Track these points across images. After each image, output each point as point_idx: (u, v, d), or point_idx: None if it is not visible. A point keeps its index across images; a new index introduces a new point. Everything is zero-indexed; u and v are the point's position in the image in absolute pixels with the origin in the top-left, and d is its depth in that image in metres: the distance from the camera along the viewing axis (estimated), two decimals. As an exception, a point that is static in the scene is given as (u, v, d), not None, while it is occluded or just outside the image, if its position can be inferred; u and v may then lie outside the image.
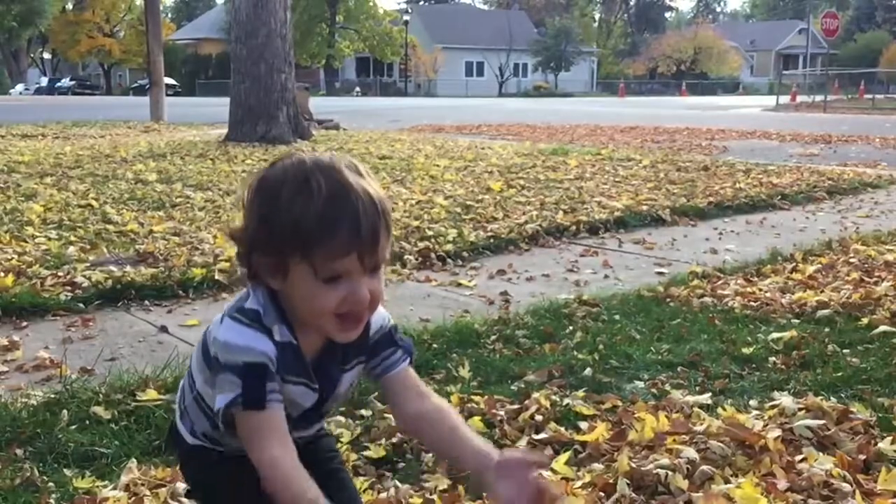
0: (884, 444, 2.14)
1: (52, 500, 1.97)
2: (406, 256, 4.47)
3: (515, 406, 2.46)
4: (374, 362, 1.40)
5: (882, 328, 3.17)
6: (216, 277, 3.92)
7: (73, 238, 4.76)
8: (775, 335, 3.11)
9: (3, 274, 3.82)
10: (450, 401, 2.46)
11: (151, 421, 2.35)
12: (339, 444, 2.22)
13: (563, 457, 2.12)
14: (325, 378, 1.34)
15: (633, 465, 2.02)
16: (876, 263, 4.31)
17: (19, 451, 2.19)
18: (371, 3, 55.77)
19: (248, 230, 1.26)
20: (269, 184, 1.24)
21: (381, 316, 1.39)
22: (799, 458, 2.09)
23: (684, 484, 1.95)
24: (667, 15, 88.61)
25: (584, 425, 2.33)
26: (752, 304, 3.60)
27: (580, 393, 2.56)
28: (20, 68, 57.76)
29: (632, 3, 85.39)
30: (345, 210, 1.20)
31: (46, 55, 67.62)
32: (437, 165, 8.46)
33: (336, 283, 1.22)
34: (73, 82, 53.84)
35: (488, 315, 3.46)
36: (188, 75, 54.06)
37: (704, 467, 2.02)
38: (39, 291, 3.63)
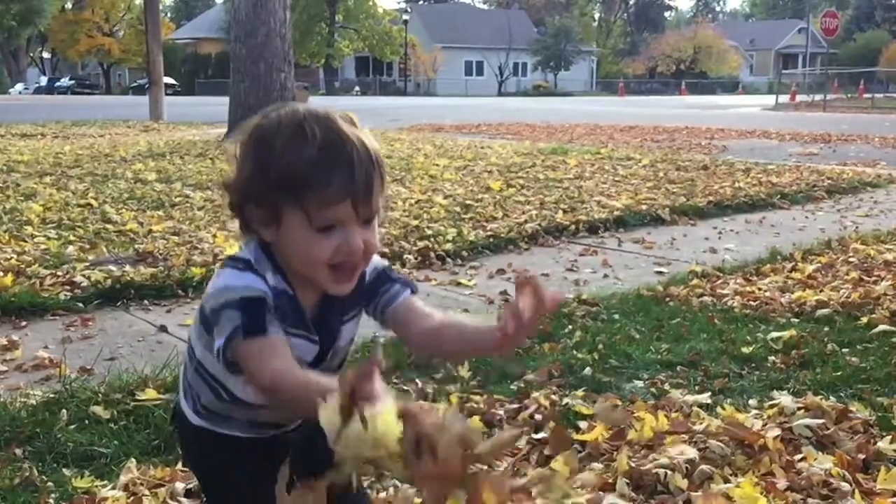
0: (883, 444, 2.14)
1: (51, 500, 1.97)
2: (405, 256, 4.47)
3: (515, 405, 2.46)
4: (373, 302, 1.38)
5: (881, 327, 3.18)
6: (215, 277, 3.92)
7: (72, 237, 4.77)
8: (775, 334, 3.11)
9: (2, 273, 3.82)
10: (449, 401, 2.47)
11: (150, 420, 2.35)
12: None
13: (563, 456, 2.12)
14: (325, 330, 1.32)
15: (633, 465, 2.02)
16: (875, 263, 4.31)
17: (18, 451, 2.19)
18: (370, 3, 55.76)
19: (242, 179, 1.25)
20: (263, 133, 1.24)
21: (375, 261, 1.36)
22: (798, 457, 2.09)
23: (683, 483, 1.96)
24: (666, 14, 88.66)
25: (583, 425, 2.33)
26: (751, 303, 3.60)
27: (579, 392, 2.56)
28: (19, 67, 57.77)
29: (631, 3, 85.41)
30: (339, 156, 1.19)
31: (46, 54, 67.62)
32: (437, 165, 8.46)
33: (330, 232, 1.21)
34: (72, 82, 53.85)
35: (488, 314, 3.46)
36: (188, 74, 54.06)
37: (704, 467, 2.02)
38: (39, 291, 3.63)
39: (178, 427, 1.44)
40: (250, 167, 1.23)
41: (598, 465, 2.09)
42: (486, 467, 1.04)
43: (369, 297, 1.37)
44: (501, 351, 1.27)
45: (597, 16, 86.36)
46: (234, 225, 1.32)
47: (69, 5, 58.77)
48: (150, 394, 2.48)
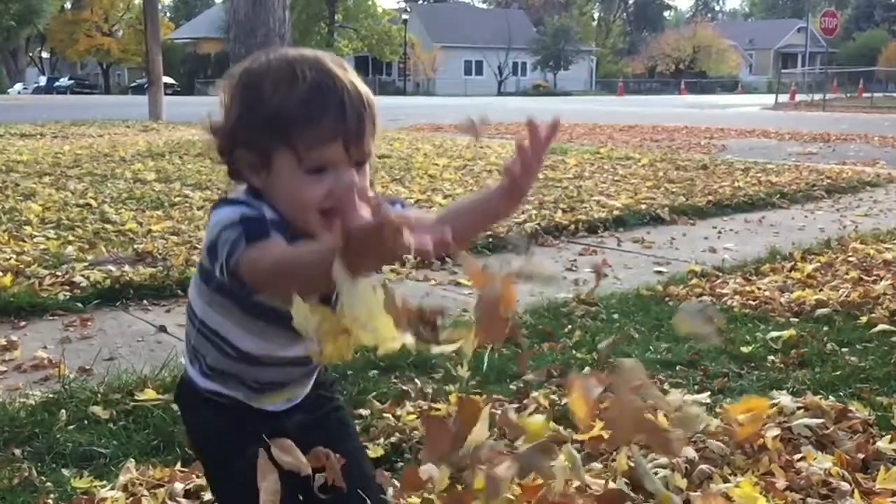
0: (882, 443, 2.14)
1: (50, 500, 1.96)
2: (405, 255, 4.46)
3: (514, 405, 2.46)
4: None
5: (881, 327, 3.18)
6: (215, 277, 3.92)
7: (71, 237, 4.76)
8: (774, 334, 3.11)
9: (1, 273, 3.82)
10: (448, 401, 2.47)
11: (149, 421, 2.35)
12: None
13: (562, 456, 2.12)
14: None
15: (632, 465, 2.02)
16: (874, 262, 4.31)
17: (17, 451, 2.19)
18: (370, 3, 55.74)
19: (231, 122, 1.23)
20: (252, 75, 1.22)
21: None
22: (798, 457, 2.10)
23: (683, 483, 1.95)
24: (665, 14, 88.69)
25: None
26: (750, 302, 3.60)
27: (579, 392, 2.55)
28: (18, 67, 57.74)
29: (630, 2, 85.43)
30: (330, 96, 1.18)
31: (45, 54, 67.56)
32: (436, 164, 8.46)
33: (321, 175, 1.19)
34: (71, 81, 53.80)
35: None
36: (187, 74, 54.01)
37: (703, 466, 2.02)
38: (38, 291, 3.63)
39: (185, 400, 1.42)
40: (239, 109, 1.22)
41: (597, 465, 2.09)
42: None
43: None
44: (512, 202, 1.30)
45: (596, 15, 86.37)
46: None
47: (68, 5, 58.75)
48: (149, 394, 2.48)
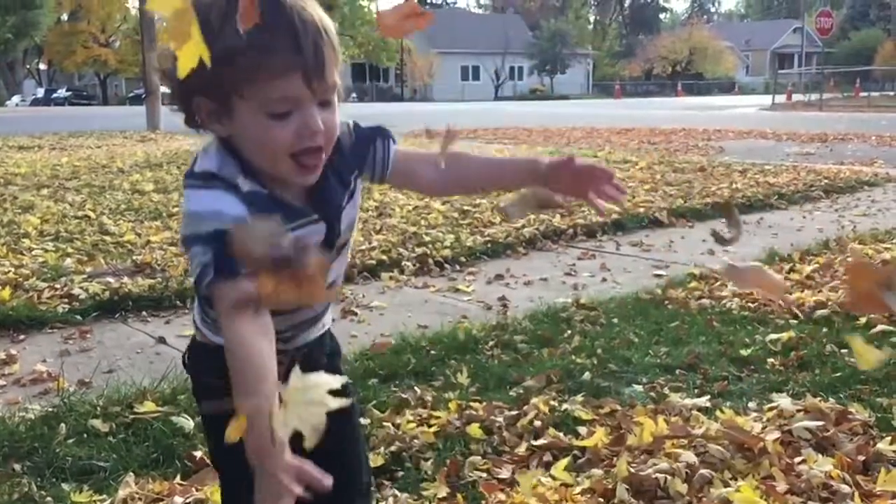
0: (883, 445, 2.13)
1: (50, 515, 1.96)
2: (404, 263, 4.47)
3: (514, 412, 2.46)
4: (367, 168, 1.32)
5: (880, 327, 3.18)
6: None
7: (70, 250, 4.76)
8: (773, 336, 3.11)
9: (0, 287, 3.81)
10: (448, 408, 2.46)
11: (149, 433, 2.34)
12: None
13: (562, 462, 2.12)
14: (327, 206, 1.24)
15: (632, 470, 2.02)
16: (874, 262, 4.31)
17: (17, 466, 2.18)
18: (366, 9, 55.86)
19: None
20: (199, 6, 1.13)
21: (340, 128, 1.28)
22: (798, 459, 2.09)
23: (683, 488, 1.95)
24: (661, 16, 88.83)
25: (583, 430, 2.33)
26: (750, 305, 3.59)
27: (579, 398, 2.55)
28: (16, 80, 57.76)
29: (626, 5, 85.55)
30: (279, 25, 1.09)
31: (42, 66, 67.58)
32: (434, 170, 8.45)
33: (286, 117, 1.13)
34: (69, 93, 53.85)
35: (486, 320, 3.45)
36: (184, 84, 53.95)
37: (703, 471, 2.01)
38: (36, 304, 3.63)
39: (197, 362, 1.35)
40: None
41: (597, 471, 2.08)
42: None
43: (360, 164, 1.31)
44: (536, 183, 1.32)
45: (592, 18, 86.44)
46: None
47: (65, 17, 58.78)
48: (149, 406, 2.48)
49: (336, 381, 0.98)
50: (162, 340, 3.31)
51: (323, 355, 1.42)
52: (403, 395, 2.60)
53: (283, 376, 1.23)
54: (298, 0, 1.13)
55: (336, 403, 0.97)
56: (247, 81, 1.11)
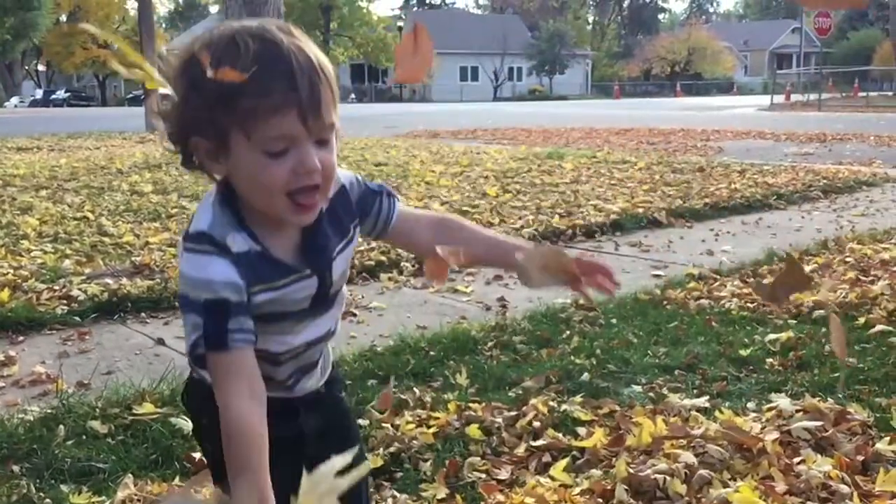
0: (881, 445, 2.13)
1: (49, 517, 1.96)
2: (402, 263, 4.47)
3: (513, 413, 2.46)
4: (368, 222, 1.34)
5: (879, 327, 3.18)
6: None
7: (68, 251, 4.76)
8: (772, 336, 3.11)
9: (-2, 288, 3.82)
10: (447, 409, 2.46)
11: (148, 435, 2.34)
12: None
13: (562, 463, 2.12)
14: (318, 257, 1.24)
15: (632, 471, 2.02)
16: (872, 262, 4.31)
17: (16, 468, 2.18)
18: (365, 10, 55.89)
19: (181, 102, 1.15)
20: (195, 49, 1.13)
21: (346, 175, 1.30)
22: (797, 460, 2.09)
23: (682, 489, 1.95)
24: (660, 16, 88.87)
25: (582, 431, 2.33)
26: (748, 305, 3.60)
27: (578, 398, 2.55)
28: (15, 81, 57.73)
29: (625, 6, 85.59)
30: (276, 64, 1.10)
31: (41, 67, 67.57)
32: (433, 171, 8.46)
33: (283, 156, 1.12)
34: (67, 94, 53.86)
35: (485, 321, 3.45)
36: (183, 85, 53.94)
37: (702, 471, 2.01)
38: (35, 305, 3.63)
39: (198, 401, 1.33)
40: (185, 87, 1.14)
41: (596, 472, 2.08)
42: None
43: (362, 217, 1.32)
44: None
45: (591, 19, 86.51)
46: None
47: (64, 18, 58.78)
48: (148, 408, 2.48)
49: (344, 460, 1.00)
50: (161, 342, 3.31)
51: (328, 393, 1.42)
52: (402, 396, 2.59)
53: (291, 428, 1.28)
54: (295, 40, 1.13)
55: (348, 482, 1.00)
56: (243, 120, 1.11)
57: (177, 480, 2.09)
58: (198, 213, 1.20)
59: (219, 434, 1.18)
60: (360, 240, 1.34)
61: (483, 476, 2.11)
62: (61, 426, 2.38)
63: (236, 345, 1.15)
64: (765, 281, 1.26)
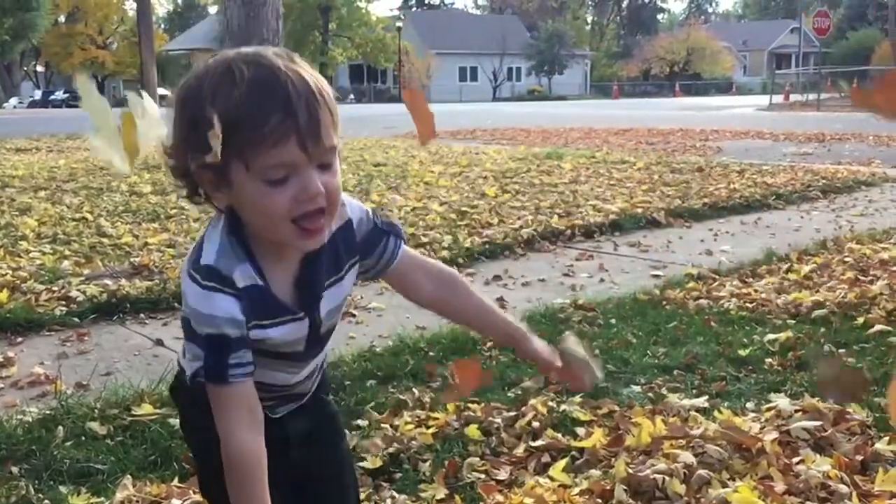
0: (881, 445, 2.14)
1: (47, 518, 1.96)
2: (401, 264, 4.46)
3: (512, 413, 2.46)
4: (370, 261, 1.32)
5: (878, 327, 3.18)
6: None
7: (67, 252, 4.76)
8: (771, 336, 3.11)
9: (-3, 290, 3.81)
10: (446, 410, 2.46)
11: (147, 436, 2.34)
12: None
13: (561, 463, 2.12)
14: (308, 295, 1.24)
15: (631, 471, 2.02)
16: (871, 262, 4.31)
17: (15, 469, 2.18)
18: (363, 11, 55.84)
19: (180, 138, 1.14)
20: (190, 83, 1.14)
21: (357, 208, 1.29)
22: (796, 460, 2.09)
23: (681, 489, 1.95)
24: (659, 16, 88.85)
25: (581, 431, 2.33)
26: (747, 305, 3.60)
27: (577, 398, 2.55)
28: (13, 82, 57.70)
29: (624, 6, 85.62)
30: (273, 92, 1.08)
31: (40, 68, 67.55)
32: (432, 172, 8.46)
33: (284, 183, 1.10)
34: (66, 95, 53.75)
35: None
36: (182, 86, 53.90)
37: (702, 471, 2.01)
38: (34, 306, 3.62)
39: (185, 395, 1.34)
40: (183, 124, 1.13)
41: (596, 472, 2.08)
42: None
43: (364, 254, 1.30)
44: (525, 356, 1.41)
45: (589, 19, 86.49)
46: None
47: (62, 19, 58.77)
48: (147, 408, 2.48)
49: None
50: (160, 343, 3.31)
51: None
52: (401, 397, 2.60)
53: (276, 432, 1.29)
54: (292, 65, 1.11)
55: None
56: (241, 151, 1.09)
57: (175, 481, 2.09)
58: (206, 241, 1.20)
59: (204, 426, 1.22)
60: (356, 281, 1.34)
61: (482, 476, 2.11)
62: (60, 427, 2.38)
63: (236, 379, 1.17)
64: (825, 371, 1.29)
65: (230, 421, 1.18)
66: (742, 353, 2.97)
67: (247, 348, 1.18)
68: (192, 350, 1.18)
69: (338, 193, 1.17)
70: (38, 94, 55.19)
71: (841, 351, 2.95)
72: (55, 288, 3.91)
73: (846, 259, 4.41)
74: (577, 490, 1.99)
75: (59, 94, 53.72)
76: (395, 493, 2.05)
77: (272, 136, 1.08)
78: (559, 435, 2.30)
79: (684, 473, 2.01)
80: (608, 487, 1.98)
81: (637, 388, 2.69)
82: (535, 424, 2.37)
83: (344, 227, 1.26)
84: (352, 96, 53.91)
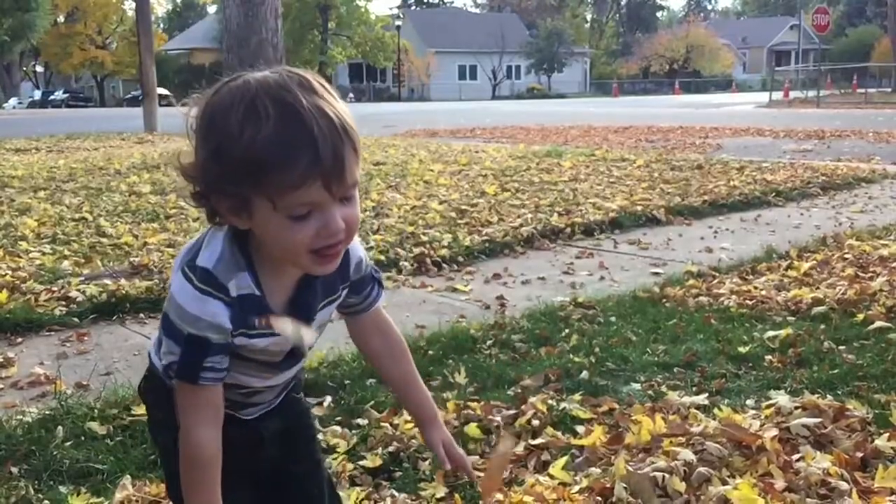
0: (881, 441, 2.13)
1: (47, 518, 1.96)
2: (401, 262, 4.47)
3: (512, 411, 2.45)
4: (355, 299, 1.37)
5: (878, 324, 3.17)
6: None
7: (67, 252, 4.75)
8: (771, 333, 3.11)
9: (-3, 290, 3.81)
10: (446, 408, 2.46)
11: (147, 436, 2.33)
12: (335, 455, 2.21)
13: (561, 461, 2.12)
14: (303, 314, 1.26)
15: (631, 469, 2.02)
16: (871, 259, 4.31)
17: (14, 469, 2.18)
18: (363, 10, 55.83)
19: (201, 167, 1.14)
20: (215, 111, 1.12)
21: (359, 249, 1.34)
22: (796, 457, 2.09)
23: (682, 486, 1.95)
24: (658, 14, 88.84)
25: (581, 429, 2.33)
26: (747, 302, 3.60)
27: (577, 396, 2.55)
28: (13, 82, 57.69)
29: (623, 3, 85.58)
30: (300, 133, 1.07)
31: (39, 68, 67.56)
32: (432, 170, 8.46)
33: (306, 218, 1.12)
34: (66, 95, 53.77)
35: (484, 320, 3.45)
36: (181, 85, 53.93)
37: (702, 469, 2.01)
38: (34, 307, 3.62)
39: (156, 394, 1.35)
40: (206, 153, 1.12)
41: (595, 470, 2.08)
42: None
43: (352, 290, 1.35)
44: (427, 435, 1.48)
45: (589, 17, 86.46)
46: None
47: (61, 19, 58.73)
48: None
49: None
50: (159, 342, 3.31)
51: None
52: (401, 396, 2.59)
53: (249, 431, 1.34)
54: (316, 99, 1.10)
55: None
56: (266, 190, 1.10)
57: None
58: (206, 245, 1.20)
59: (171, 426, 1.25)
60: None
61: (482, 475, 2.10)
62: (60, 427, 2.38)
63: (207, 382, 1.19)
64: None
65: (193, 418, 1.21)
66: (742, 350, 2.96)
67: (225, 354, 1.19)
68: (169, 346, 1.19)
69: (356, 223, 1.19)
70: (37, 95, 55.21)
71: (841, 348, 2.95)
72: (55, 288, 3.90)
73: (846, 256, 4.41)
74: (576, 488, 1.99)
75: (59, 94, 53.74)
76: (394, 492, 2.05)
77: (298, 179, 1.08)
78: (559, 433, 2.30)
79: (684, 471, 2.01)
80: (608, 485, 1.97)
81: (637, 386, 2.69)
82: (535, 422, 2.37)
83: (345, 258, 1.28)
84: (351, 95, 53.88)
